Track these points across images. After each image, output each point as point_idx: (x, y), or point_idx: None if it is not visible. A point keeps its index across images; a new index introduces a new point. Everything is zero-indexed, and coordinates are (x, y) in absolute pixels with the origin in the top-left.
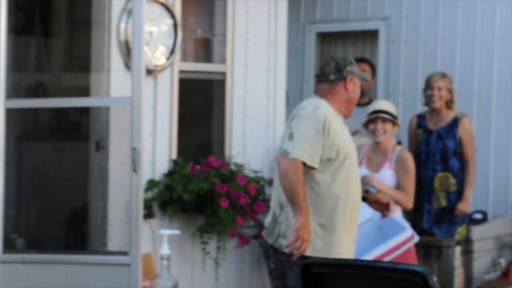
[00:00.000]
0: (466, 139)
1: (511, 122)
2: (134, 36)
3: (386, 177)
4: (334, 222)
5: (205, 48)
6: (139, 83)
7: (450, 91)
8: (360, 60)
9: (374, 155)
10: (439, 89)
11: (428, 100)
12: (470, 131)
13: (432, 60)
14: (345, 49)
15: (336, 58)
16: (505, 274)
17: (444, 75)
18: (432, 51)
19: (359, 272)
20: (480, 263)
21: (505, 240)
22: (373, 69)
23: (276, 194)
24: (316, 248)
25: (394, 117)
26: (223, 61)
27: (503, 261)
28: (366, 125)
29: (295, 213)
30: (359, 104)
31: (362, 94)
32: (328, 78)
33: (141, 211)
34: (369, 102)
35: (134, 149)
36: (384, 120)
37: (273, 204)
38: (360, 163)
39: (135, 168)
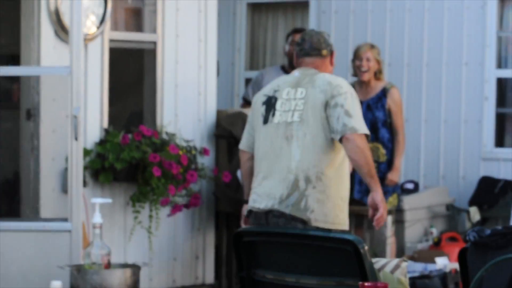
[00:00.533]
0: (395, 110)
1: (442, 93)
2: (73, 6)
3: None
4: (348, 194)
5: (135, 18)
6: (78, 52)
7: (378, 62)
8: (299, 31)
9: None
10: (368, 60)
11: (357, 70)
12: (399, 101)
13: (362, 31)
14: (275, 20)
15: (321, 33)
16: (437, 244)
17: (372, 46)
18: (362, 22)
19: (291, 240)
20: (412, 233)
21: (437, 210)
22: None
23: (301, 167)
24: (339, 221)
25: None
26: (153, 30)
27: (434, 231)
28: None
29: (375, 187)
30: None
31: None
32: (320, 53)
33: (81, 178)
34: None
35: (75, 117)
36: None
37: (293, 176)
38: None
39: (76, 136)
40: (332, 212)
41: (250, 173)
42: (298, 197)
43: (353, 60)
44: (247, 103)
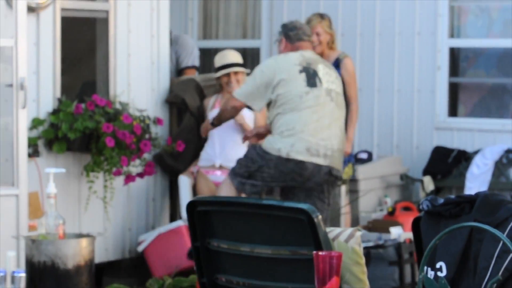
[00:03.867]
0: (348, 80)
1: (394, 62)
2: None
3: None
4: None
5: None
6: (22, 21)
7: (329, 33)
8: None
9: None
10: (318, 34)
11: None
12: (352, 71)
13: (315, 1)
14: None
15: (303, 23)
16: (391, 213)
17: (322, 18)
18: None
19: (245, 209)
20: (367, 202)
21: (391, 180)
22: None
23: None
24: None
25: (243, 65)
26: None
27: (389, 200)
28: (217, 78)
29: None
30: None
31: None
32: (310, 39)
33: (25, 145)
34: None
35: (22, 87)
36: (236, 72)
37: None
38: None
39: (24, 105)
40: None
41: None
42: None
43: None
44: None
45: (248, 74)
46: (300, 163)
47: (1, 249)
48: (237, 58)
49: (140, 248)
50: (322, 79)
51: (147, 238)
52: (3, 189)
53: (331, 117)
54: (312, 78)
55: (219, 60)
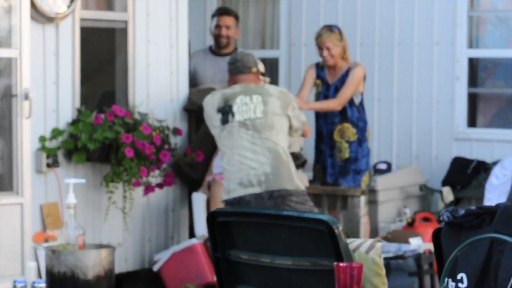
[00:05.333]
0: (348, 81)
1: (413, 72)
2: None
3: None
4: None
5: None
6: (26, 32)
7: (340, 45)
8: (223, 13)
9: None
10: (328, 48)
11: (322, 58)
12: (357, 77)
13: (333, 12)
14: None
15: (249, 54)
16: (410, 224)
17: (331, 31)
18: (333, 2)
19: (265, 220)
20: (386, 213)
21: (410, 190)
22: (237, 20)
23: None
24: None
25: (263, 74)
26: (124, 9)
27: (408, 211)
28: None
29: None
30: (223, 54)
31: (227, 44)
32: (251, 70)
33: (28, 153)
34: (234, 51)
35: (26, 98)
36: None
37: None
38: None
39: (29, 115)
40: None
41: None
42: None
43: (316, 46)
44: None
45: (270, 83)
46: (240, 199)
47: (12, 257)
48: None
49: (155, 268)
50: (235, 113)
51: (162, 257)
52: (7, 198)
53: (253, 145)
54: (225, 115)
55: None
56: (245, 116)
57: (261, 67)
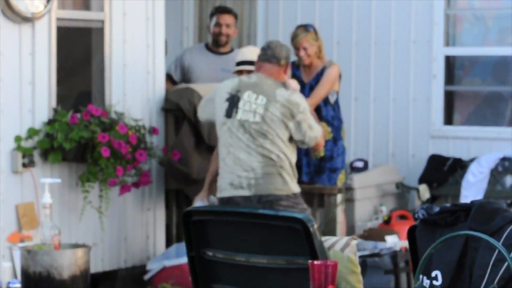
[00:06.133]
0: (323, 80)
1: (390, 71)
2: None
3: None
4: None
5: None
6: None
7: (316, 44)
8: (223, 11)
9: None
10: (305, 48)
11: (298, 58)
12: (332, 76)
13: (310, 10)
14: None
15: (284, 45)
16: (387, 222)
17: (306, 31)
18: (310, 1)
19: (240, 219)
20: (362, 211)
21: (386, 188)
22: (236, 19)
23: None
24: None
25: None
26: (101, 9)
27: (384, 209)
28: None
29: None
30: (220, 53)
31: (226, 43)
32: (279, 62)
33: None
34: (231, 50)
35: None
36: (250, 71)
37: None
38: None
39: None
40: None
41: None
42: None
43: (293, 47)
44: (170, 80)
45: None
46: (229, 200)
47: None
48: (253, 56)
49: (146, 277)
50: (239, 109)
51: (153, 269)
52: None
53: (248, 148)
54: (231, 108)
55: (238, 55)
56: (245, 116)
57: None
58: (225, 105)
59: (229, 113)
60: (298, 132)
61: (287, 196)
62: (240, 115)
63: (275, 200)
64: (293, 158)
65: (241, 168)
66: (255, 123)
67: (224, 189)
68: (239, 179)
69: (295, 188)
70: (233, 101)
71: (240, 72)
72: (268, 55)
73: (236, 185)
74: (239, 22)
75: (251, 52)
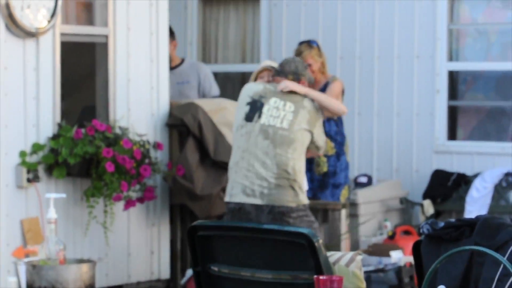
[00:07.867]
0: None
1: (394, 86)
2: None
3: None
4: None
5: (86, 11)
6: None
7: (320, 61)
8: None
9: None
10: (310, 65)
11: None
12: (335, 91)
13: (313, 24)
14: (227, 13)
15: (296, 61)
16: (391, 237)
17: (310, 47)
18: (313, 15)
19: (246, 234)
20: (367, 226)
21: (391, 204)
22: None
23: None
24: None
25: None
26: (105, 24)
27: (389, 224)
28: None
29: None
30: (172, 68)
31: (171, 59)
32: (286, 76)
33: None
34: (181, 62)
35: None
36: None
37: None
38: None
39: None
40: None
41: None
42: None
43: None
44: None
45: None
46: (241, 207)
47: None
48: (274, 64)
49: (182, 281)
50: (263, 114)
51: (188, 273)
52: None
53: (265, 156)
54: (253, 112)
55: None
56: (271, 122)
57: None
58: (246, 108)
59: (249, 117)
60: (319, 137)
61: (298, 209)
62: (264, 119)
63: (287, 212)
64: (304, 168)
65: (255, 175)
66: (282, 129)
67: (235, 195)
68: (252, 187)
69: (305, 200)
70: (256, 106)
71: (262, 72)
72: (278, 70)
73: (248, 193)
74: (241, 35)
75: (271, 62)
